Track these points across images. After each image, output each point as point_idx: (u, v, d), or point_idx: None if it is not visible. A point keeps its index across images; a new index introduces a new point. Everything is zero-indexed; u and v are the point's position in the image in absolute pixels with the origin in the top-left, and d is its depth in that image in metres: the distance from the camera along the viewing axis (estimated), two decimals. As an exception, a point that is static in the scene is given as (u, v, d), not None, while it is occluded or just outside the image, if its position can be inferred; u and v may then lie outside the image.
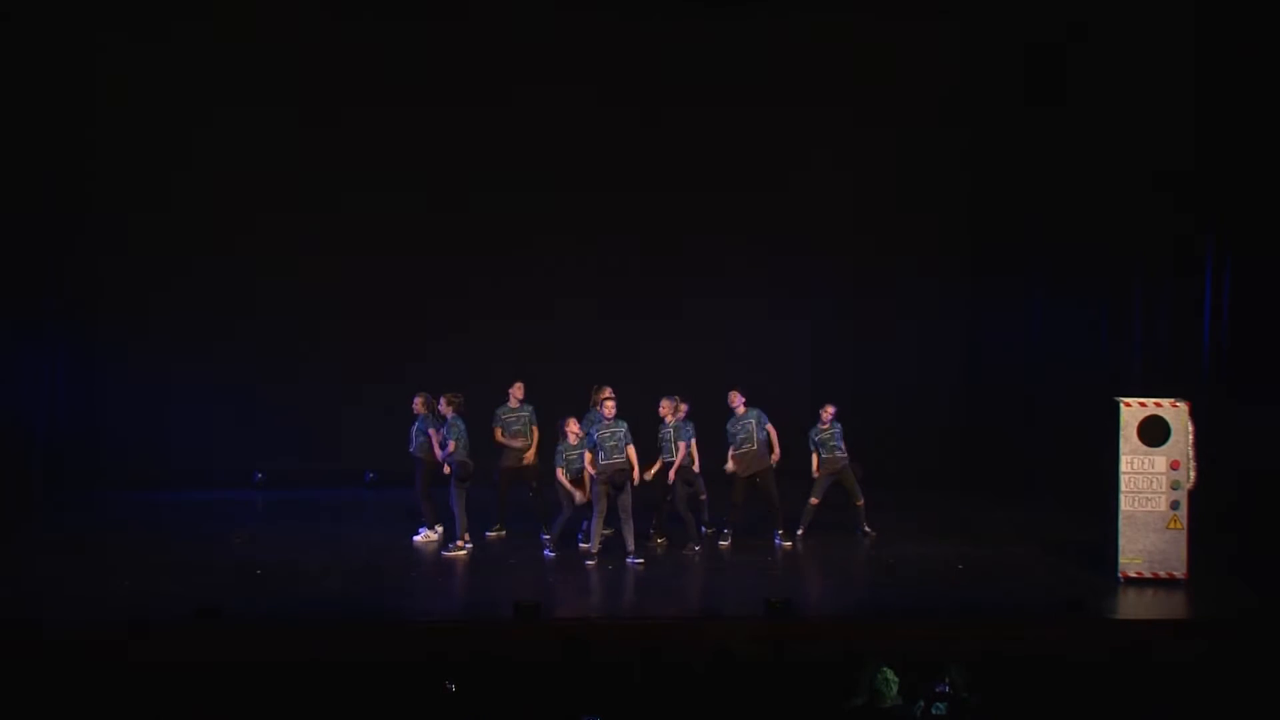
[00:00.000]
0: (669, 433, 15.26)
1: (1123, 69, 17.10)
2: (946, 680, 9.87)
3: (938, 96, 19.43)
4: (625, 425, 14.79)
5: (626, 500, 14.69)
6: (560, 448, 15.31)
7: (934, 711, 9.62)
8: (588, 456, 14.92)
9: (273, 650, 11.20)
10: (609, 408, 14.81)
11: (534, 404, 15.90)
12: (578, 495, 15.17)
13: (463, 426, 15.27)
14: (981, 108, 19.41)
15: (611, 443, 14.70)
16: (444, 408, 15.32)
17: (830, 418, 15.86)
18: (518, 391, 15.86)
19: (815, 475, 15.80)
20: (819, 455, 15.78)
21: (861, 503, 15.97)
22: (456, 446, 15.20)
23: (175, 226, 18.77)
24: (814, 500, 15.97)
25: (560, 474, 15.24)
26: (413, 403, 15.79)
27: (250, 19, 18.53)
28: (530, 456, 15.86)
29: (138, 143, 18.55)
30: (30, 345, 17.03)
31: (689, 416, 15.45)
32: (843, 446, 15.83)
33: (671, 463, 15.21)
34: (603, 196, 19.27)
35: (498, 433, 15.86)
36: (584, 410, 15.59)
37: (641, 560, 14.62)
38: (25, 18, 16.56)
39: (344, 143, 18.89)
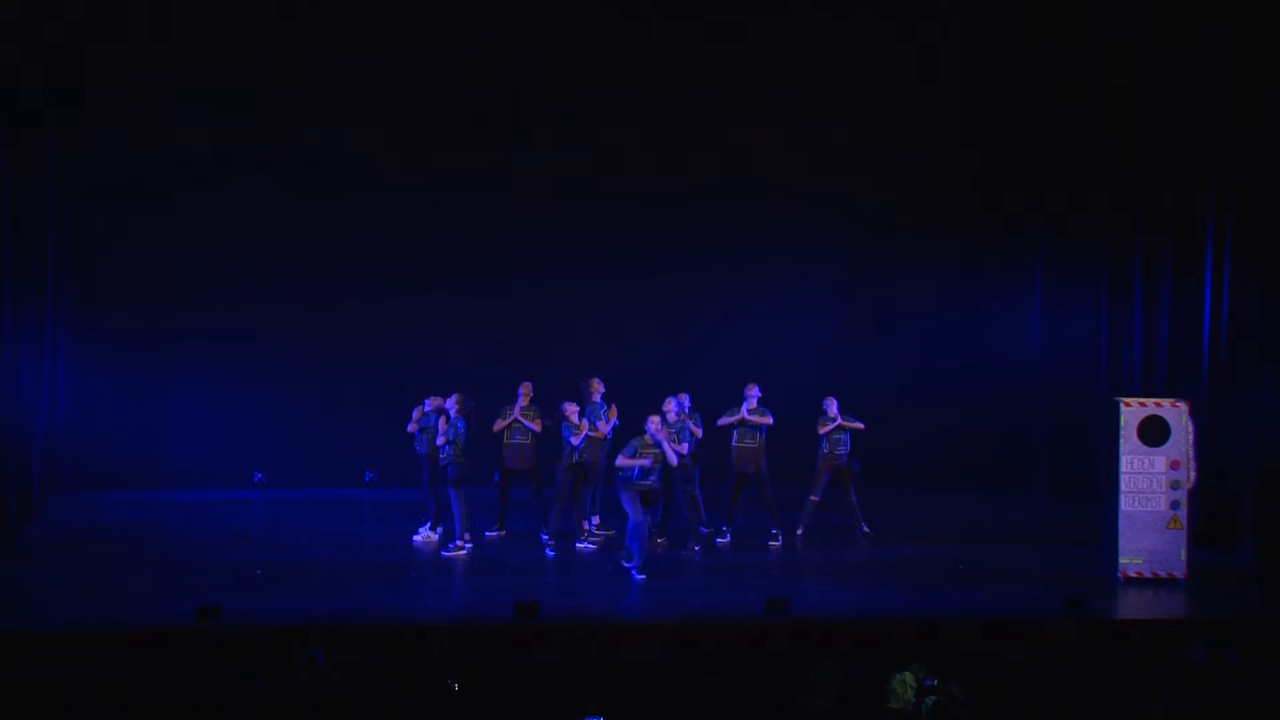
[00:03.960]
0: (674, 430, 15.30)
1: (1124, 66, 17.11)
2: (926, 674, 9.89)
3: (938, 93, 19.40)
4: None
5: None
6: (565, 432, 15.45)
7: (923, 707, 9.63)
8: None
9: (272, 650, 11.19)
10: (655, 424, 14.42)
11: (538, 404, 15.96)
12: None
13: (462, 428, 15.28)
14: (983, 104, 19.39)
15: (652, 464, 14.36)
16: (452, 404, 15.36)
17: (836, 412, 15.92)
18: (527, 391, 15.92)
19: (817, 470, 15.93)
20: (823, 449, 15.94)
21: (854, 499, 16.00)
22: (455, 448, 15.20)
23: (175, 227, 18.73)
24: (814, 497, 16.02)
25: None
26: (424, 403, 15.85)
27: (255, 25, 18.51)
28: (529, 461, 15.92)
29: (137, 144, 18.50)
30: (30, 346, 17.00)
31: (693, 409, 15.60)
32: (847, 441, 15.89)
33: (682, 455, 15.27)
34: (601, 194, 19.25)
35: (499, 424, 15.90)
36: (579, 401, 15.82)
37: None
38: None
39: (343, 142, 18.85)
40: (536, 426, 15.83)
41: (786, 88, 19.27)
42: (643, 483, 14.29)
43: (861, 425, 16.03)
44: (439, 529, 15.78)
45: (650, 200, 19.30)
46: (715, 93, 19.24)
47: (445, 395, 15.52)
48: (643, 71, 19.12)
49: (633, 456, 14.23)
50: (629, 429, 16.04)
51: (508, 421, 15.85)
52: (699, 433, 15.55)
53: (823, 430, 15.94)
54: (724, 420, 15.78)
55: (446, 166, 19.09)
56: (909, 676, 9.79)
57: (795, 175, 19.38)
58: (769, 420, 15.68)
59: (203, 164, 18.64)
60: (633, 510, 14.17)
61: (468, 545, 15.28)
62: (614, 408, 16.02)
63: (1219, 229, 15.91)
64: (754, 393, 15.76)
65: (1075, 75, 17.87)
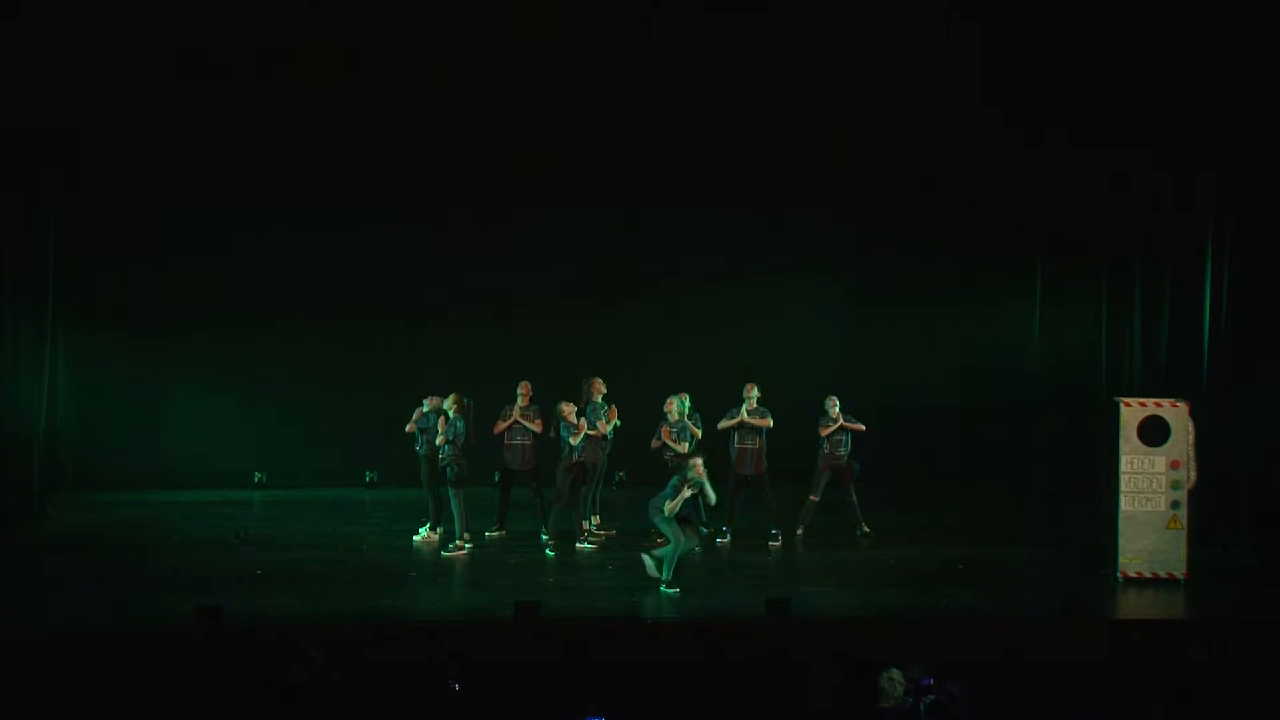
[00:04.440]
0: (674, 429, 15.30)
1: (1124, 69, 17.11)
2: (923, 673, 9.89)
3: (939, 92, 19.35)
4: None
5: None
6: (564, 432, 15.46)
7: (921, 707, 9.65)
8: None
9: (273, 651, 11.19)
10: (699, 466, 13.76)
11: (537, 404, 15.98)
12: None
13: (461, 427, 15.28)
14: (983, 104, 19.35)
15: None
16: (450, 405, 15.37)
17: (838, 412, 15.93)
18: (525, 390, 15.92)
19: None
20: (824, 449, 15.97)
21: (854, 499, 16.02)
22: (455, 449, 15.20)
23: (174, 227, 18.74)
24: (813, 497, 16.03)
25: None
26: (423, 403, 15.87)
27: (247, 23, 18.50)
28: (529, 460, 15.94)
29: (137, 145, 18.49)
30: (30, 345, 17.02)
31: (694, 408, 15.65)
32: (848, 442, 15.92)
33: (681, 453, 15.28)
34: (601, 193, 19.23)
35: (499, 426, 15.90)
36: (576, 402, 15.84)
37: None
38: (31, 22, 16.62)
39: (342, 144, 18.83)
40: (537, 427, 15.84)
41: (789, 88, 19.23)
42: (682, 513, 13.84)
43: (863, 427, 16.05)
44: (439, 529, 15.77)
45: (651, 199, 19.29)
46: (718, 91, 19.20)
47: (444, 395, 15.52)
48: (643, 67, 19.08)
49: (674, 497, 13.69)
50: (629, 428, 16.10)
51: (508, 423, 15.85)
52: (698, 433, 15.57)
53: (825, 432, 15.95)
54: (725, 424, 15.79)
55: (446, 166, 19.08)
56: (896, 673, 9.79)
57: (796, 173, 19.37)
58: (768, 423, 15.70)
59: (204, 164, 18.62)
60: (674, 535, 13.72)
61: (468, 545, 15.28)
62: (614, 408, 16.02)
63: (1220, 228, 15.92)
64: (753, 392, 15.78)
65: (1076, 74, 17.87)
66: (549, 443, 15.82)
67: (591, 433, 15.61)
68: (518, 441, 15.87)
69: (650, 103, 19.08)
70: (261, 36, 18.43)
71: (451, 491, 15.28)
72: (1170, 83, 16.38)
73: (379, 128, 18.90)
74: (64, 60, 17.44)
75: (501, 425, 15.87)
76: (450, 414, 15.32)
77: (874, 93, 19.25)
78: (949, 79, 19.18)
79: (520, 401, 15.90)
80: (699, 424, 15.60)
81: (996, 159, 19.24)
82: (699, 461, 13.83)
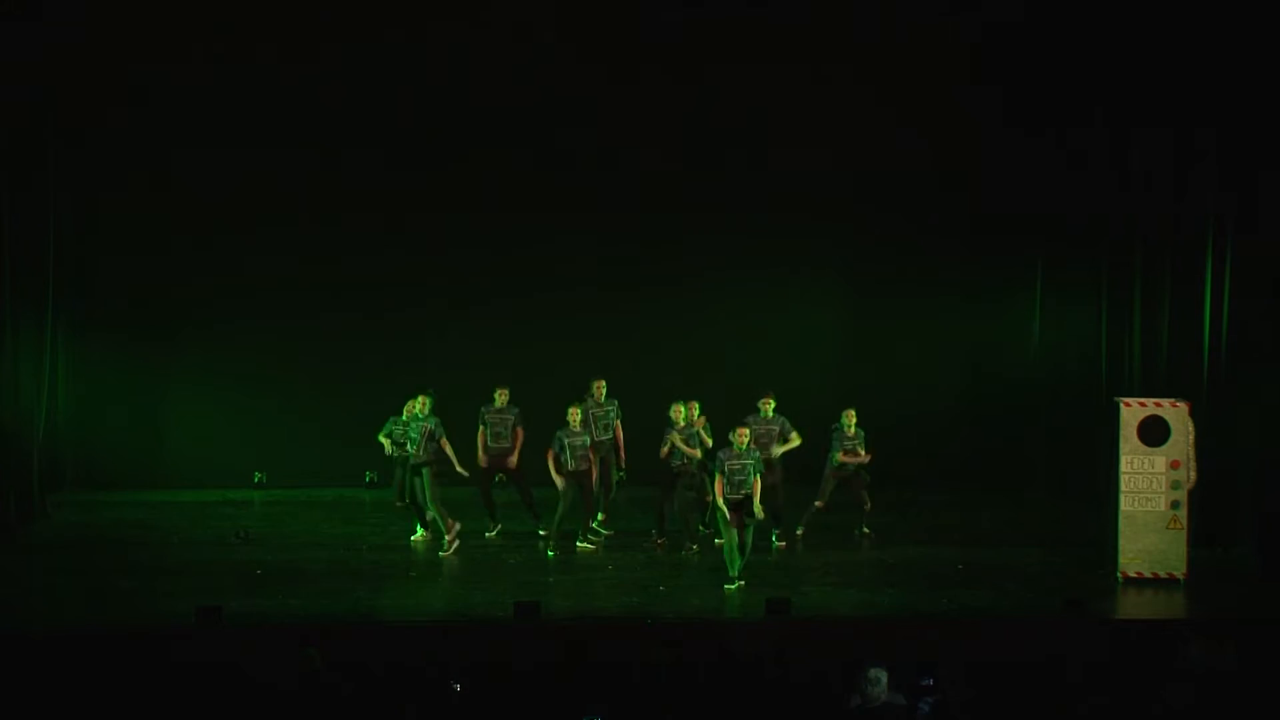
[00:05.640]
0: (685, 436, 15.28)
1: (1124, 74, 17.12)
2: (930, 677, 9.88)
3: (939, 93, 19.32)
4: (756, 456, 14.12)
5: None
6: (561, 434, 15.36)
7: (920, 709, 9.63)
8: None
9: (272, 650, 11.19)
10: (743, 436, 14.04)
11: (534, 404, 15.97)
12: (559, 481, 15.21)
13: (433, 429, 15.23)
14: (983, 104, 19.34)
15: (740, 476, 13.92)
16: (423, 406, 15.40)
17: (854, 422, 15.88)
18: (503, 394, 15.95)
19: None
20: (838, 454, 15.90)
21: (868, 507, 15.99)
22: (428, 450, 15.16)
23: (174, 227, 18.73)
24: (819, 503, 15.95)
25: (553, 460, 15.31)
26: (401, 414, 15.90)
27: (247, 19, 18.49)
28: (513, 460, 15.90)
29: (138, 146, 18.49)
30: (30, 345, 17.01)
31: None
32: (859, 452, 15.85)
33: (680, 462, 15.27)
34: (604, 197, 19.22)
35: (481, 433, 15.89)
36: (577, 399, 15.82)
37: None
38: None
39: (341, 144, 18.82)
40: (519, 431, 15.80)
41: (791, 89, 19.19)
42: (732, 496, 13.83)
43: (867, 459, 15.90)
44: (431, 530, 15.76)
45: (653, 203, 19.26)
46: (717, 90, 19.18)
47: (417, 396, 15.50)
48: (646, 71, 19.08)
49: (718, 476, 13.87)
50: (630, 428, 16.10)
51: (491, 425, 15.82)
52: (709, 441, 15.32)
53: (842, 457, 15.81)
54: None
55: (446, 168, 19.07)
56: (874, 672, 9.78)
57: (798, 177, 19.34)
58: (797, 443, 15.51)
59: (204, 163, 18.62)
60: (725, 535, 13.85)
61: (456, 541, 15.18)
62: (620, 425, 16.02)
63: (1220, 228, 15.92)
64: (769, 406, 15.66)
65: (1075, 73, 17.87)
66: (537, 443, 15.75)
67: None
68: (499, 444, 15.80)
69: (650, 102, 19.08)
70: (261, 34, 18.43)
71: (429, 493, 15.18)
72: (1169, 82, 16.38)
73: (378, 128, 18.90)
74: (63, 59, 17.45)
75: (484, 428, 15.86)
76: (420, 415, 15.27)
77: (874, 91, 19.23)
78: (949, 77, 19.16)
79: (498, 404, 15.87)
80: (710, 433, 15.45)
81: (997, 158, 19.23)
82: (744, 431, 13.93)
